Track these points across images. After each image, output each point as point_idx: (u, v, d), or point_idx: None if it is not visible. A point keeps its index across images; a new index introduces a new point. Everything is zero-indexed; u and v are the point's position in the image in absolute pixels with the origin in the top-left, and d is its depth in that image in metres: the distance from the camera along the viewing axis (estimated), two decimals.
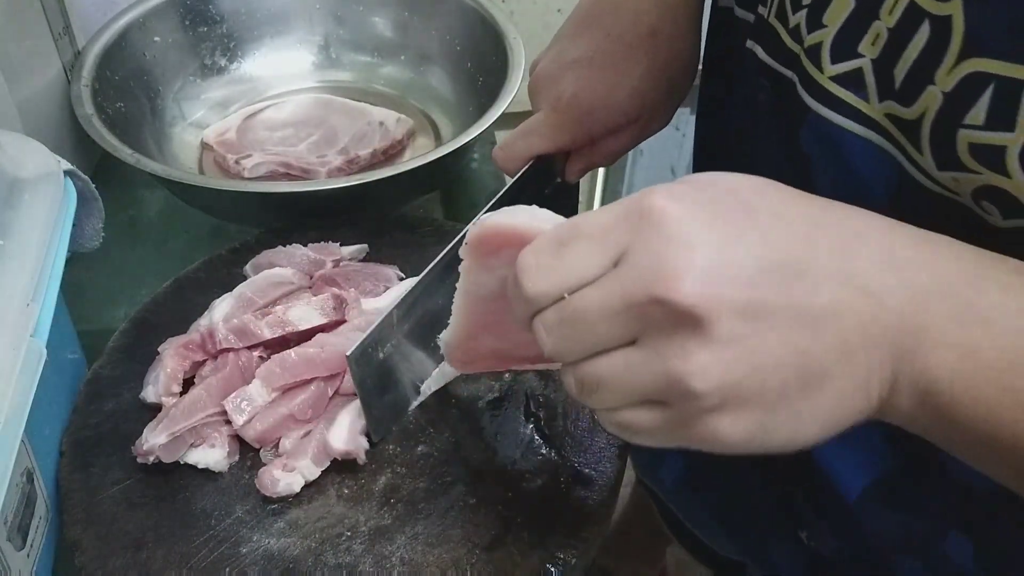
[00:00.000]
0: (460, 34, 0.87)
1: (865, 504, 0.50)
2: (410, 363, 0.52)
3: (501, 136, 0.89)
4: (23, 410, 0.42)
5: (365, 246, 0.64)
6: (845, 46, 0.40)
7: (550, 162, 0.55)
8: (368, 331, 0.47)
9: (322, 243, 0.64)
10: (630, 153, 1.75)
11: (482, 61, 0.83)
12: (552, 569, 0.46)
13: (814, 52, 0.42)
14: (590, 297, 0.31)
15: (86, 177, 0.56)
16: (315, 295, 0.59)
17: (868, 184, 0.42)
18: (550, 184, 0.56)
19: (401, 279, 0.62)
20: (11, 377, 0.42)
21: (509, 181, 0.54)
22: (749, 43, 0.48)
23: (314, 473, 0.50)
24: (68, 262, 0.50)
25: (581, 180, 0.61)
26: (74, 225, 0.52)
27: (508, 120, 0.75)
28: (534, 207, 0.38)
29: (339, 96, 0.86)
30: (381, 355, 0.49)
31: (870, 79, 0.40)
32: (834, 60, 0.41)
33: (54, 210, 0.50)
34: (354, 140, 0.80)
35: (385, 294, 0.59)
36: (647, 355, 0.31)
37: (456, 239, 0.50)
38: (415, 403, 0.53)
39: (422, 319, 0.50)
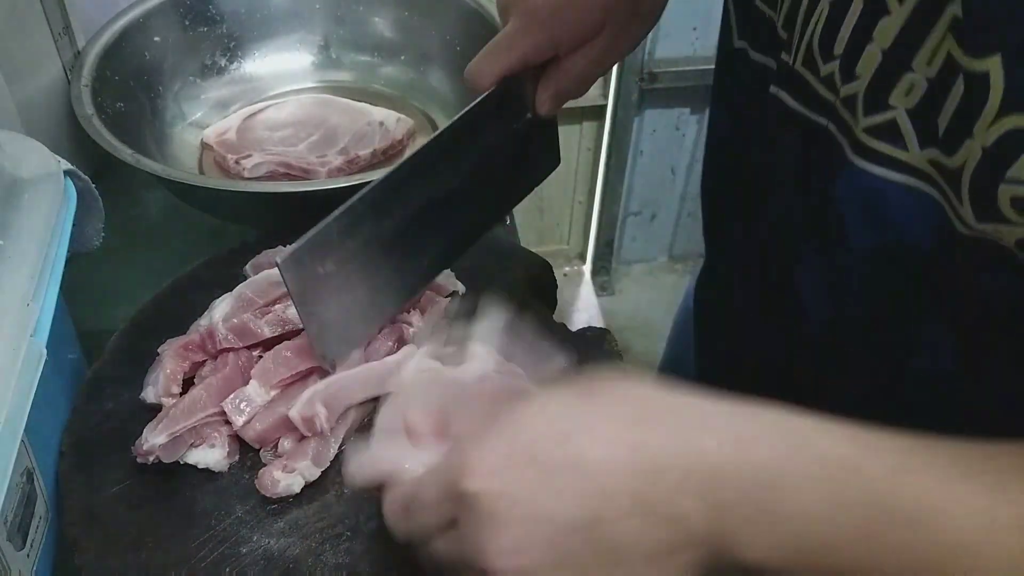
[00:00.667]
0: (460, 34, 0.87)
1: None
2: (362, 287, 0.50)
3: None
4: (23, 410, 0.42)
5: None
6: (877, 98, 0.40)
7: (520, 95, 0.53)
8: (302, 238, 0.46)
9: None
10: (630, 154, 1.74)
11: None
12: None
13: (850, 103, 0.41)
14: (436, 545, 0.38)
15: (86, 177, 0.56)
16: None
17: (909, 235, 0.41)
18: (520, 118, 0.54)
19: None
20: (11, 377, 0.42)
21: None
22: (773, 89, 0.47)
23: (314, 474, 0.50)
24: (68, 262, 0.50)
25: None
26: (74, 225, 0.52)
27: None
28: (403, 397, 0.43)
29: (339, 96, 0.86)
30: (322, 270, 0.47)
31: (907, 128, 0.39)
32: (867, 112, 0.40)
33: (54, 210, 0.50)
34: (354, 140, 0.80)
35: None
36: (458, 536, 0.36)
37: (403, 159, 0.48)
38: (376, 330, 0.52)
39: (371, 240, 0.49)
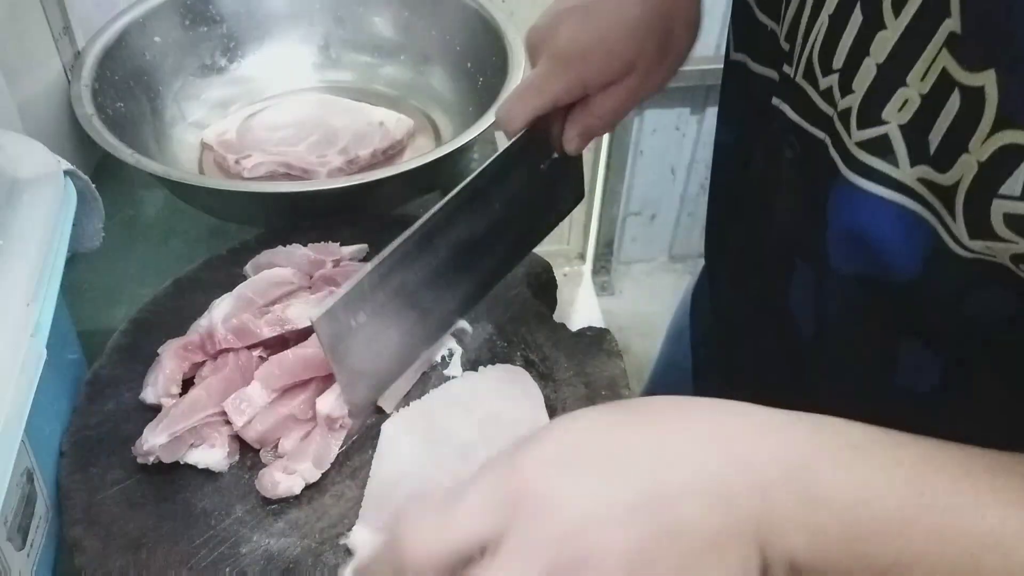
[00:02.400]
0: (460, 34, 0.87)
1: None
2: (390, 336, 0.50)
3: (501, 136, 0.89)
4: (23, 410, 0.42)
5: (365, 246, 0.64)
6: (870, 112, 0.40)
7: (547, 135, 0.54)
8: (336, 295, 0.46)
9: (322, 243, 0.64)
10: (630, 154, 1.74)
11: (482, 61, 0.83)
12: None
13: (845, 116, 0.41)
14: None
15: (86, 177, 0.56)
16: (314, 295, 0.59)
17: (896, 253, 0.41)
18: (546, 158, 0.55)
19: None
20: (11, 377, 0.42)
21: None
22: (775, 101, 0.47)
23: (315, 476, 0.50)
24: (68, 262, 0.50)
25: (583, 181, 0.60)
26: (74, 225, 0.52)
27: None
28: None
29: (339, 96, 0.86)
30: (354, 323, 0.48)
31: (899, 145, 0.39)
32: (860, 126, 0.40)
33: (54, 210, 0.50)
34: (354, 140, 0.80)
35: None
36: None
37: (434, 209, 0.49)
38: (401, 377, 0.52)
39: (401, 290, 0.49)
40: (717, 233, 0.63)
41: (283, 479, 0.49)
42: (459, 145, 0.70)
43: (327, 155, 0.78)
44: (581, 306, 1.91)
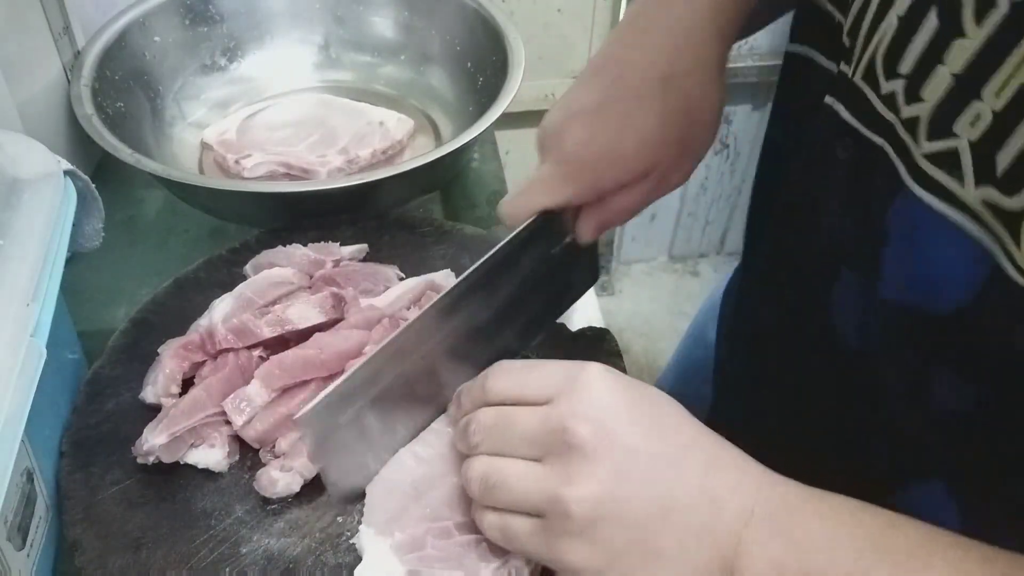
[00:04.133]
0: (460, 34, 0.87)
1: None
2: (383, 428, 0.48)
3: (501, 136, 0.89)
4: (23, 410, 0.42)
5: (365, 246, 0.64)
6: (941, 123, 0.37)
7: (559, 219, 0.51)
8: (322, 393, 0.44)
9: (322, 243, 0.64)
10: None
11: (482, 61, 0.83)
12: None
13: (911, 125, 0.39)
14: (522, 414, 0.42)
15: (86, 177, 0.56)
16: (314, 295, 0.59)
17: (947, 277, 0.39)
18: (558, 244, 0.52)
19: (401, 279, 0.62)
20: (11, 377, 0.42)
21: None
22: (828, 99, 0.45)
23: (312, 471, 0.50)
24: (68, 262, 0.50)
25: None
26: (74, 225, 0.52)
27: (508, 120, 0.75)
28: None
29: (339, 96, 0.86)
30: (342, 420, 0.45)
31: (967, 161, 0.36)
32: (930, 137, 0.38)
33: (54, 210, 0.50)
34: (354, 140, 0.80)
35: (385, 294, 0.60)
36: (546, 472, 0.40)
37: (436, 299, 0.47)
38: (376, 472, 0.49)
39: (394, 383, 0.47)
40: (756, 232, 0.61)
41: (280, 477, 0.49)
42: (459, 145, 0.70)
43: (327, 155, 0.78)
44: (581, 306, 1.91)
